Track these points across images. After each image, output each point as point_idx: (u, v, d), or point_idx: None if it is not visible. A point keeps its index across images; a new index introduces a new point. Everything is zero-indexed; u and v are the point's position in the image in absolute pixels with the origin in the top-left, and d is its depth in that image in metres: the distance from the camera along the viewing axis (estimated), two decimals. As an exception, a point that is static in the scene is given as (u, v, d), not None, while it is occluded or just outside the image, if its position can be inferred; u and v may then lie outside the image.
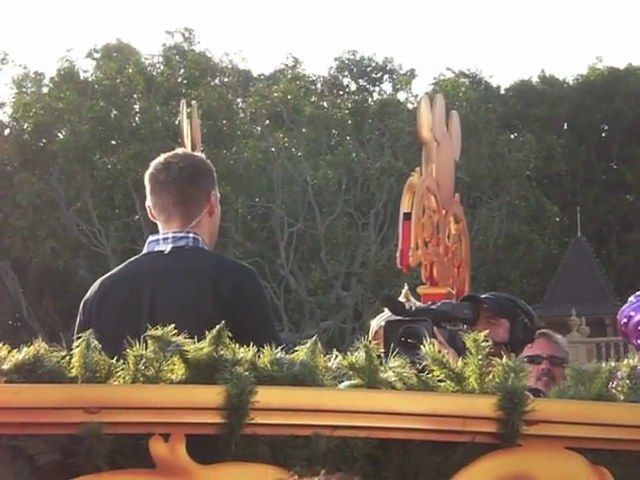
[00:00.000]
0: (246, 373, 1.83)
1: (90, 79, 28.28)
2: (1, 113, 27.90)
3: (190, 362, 1.86)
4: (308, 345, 1.93)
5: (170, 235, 2.91)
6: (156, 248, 2.91)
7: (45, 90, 27.91)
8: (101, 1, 47.67)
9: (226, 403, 1.80)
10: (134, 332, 2.72)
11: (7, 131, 27.56)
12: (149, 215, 3.01)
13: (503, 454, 1.91)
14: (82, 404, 1.78)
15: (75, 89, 27.19)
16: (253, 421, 1.81)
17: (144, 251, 2.95)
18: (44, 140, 27.22)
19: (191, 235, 2.92)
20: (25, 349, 1.83)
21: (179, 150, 3.09)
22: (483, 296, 3.49)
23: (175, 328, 2.49)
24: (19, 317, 26.67)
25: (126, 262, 2.98)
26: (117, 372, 1.86)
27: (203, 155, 3.13)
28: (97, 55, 28.84)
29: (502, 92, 33.13)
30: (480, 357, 1.95)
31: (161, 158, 3.01)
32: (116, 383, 1.85)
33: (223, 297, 2.81)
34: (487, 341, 1.98)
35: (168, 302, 2.81)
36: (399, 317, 3.09)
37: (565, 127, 32.90)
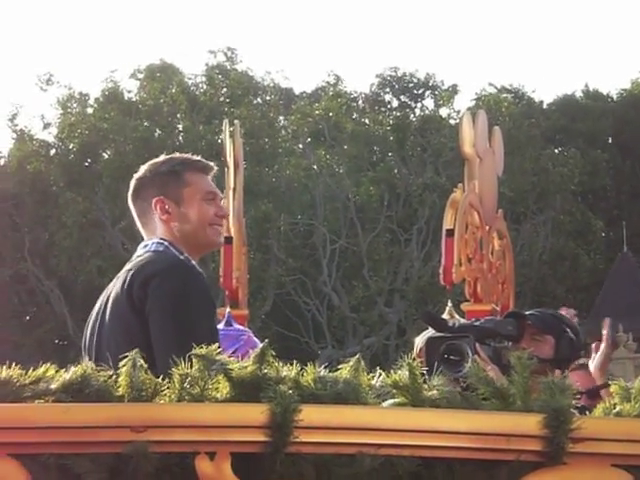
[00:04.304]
0: (290, 391, 1.84)
1: (134, 99, 28.60)
2: (47, 134, 28.30)
3: (234, 380, 1.87)
4: (351, 363, 1.93)
5: (142, 243, 2.89)
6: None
7: (90, 110, 28.25)
8: (145, 22, 48.28)
9: (270, 421, 1.81)
10: (92, 341, 2.71)
11: (53, 151, 27.92)
12: None
13: (548, 472, 1.89)
14: (129, 423, 1.80)
15: (119, 109, 27.50)
16: (297, 439, 1.82)
17: None
18: (89, 160, 27.54)
19: (155, 240, 2.84)
20: (72, 368, 1.86)
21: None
22: (528, 312, 3.47)
23: (109, 335, 2.51)
24: (65, 336, 26.92)
25: None
26: (163, 391, 1.87)
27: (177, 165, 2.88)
28: (141, 75, 29.16)
29: (545, 107, 32.93)
30: (525, 375, 1.94)
31: None
32: (162, 402, 1.87)
33: (134, 296, 2.64)
34: (532, 359, 1.97)
35: (110, 308, 2.75)
36: (441, 334, 3.09)
37: (610, 141, 32.60)
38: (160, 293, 2.61)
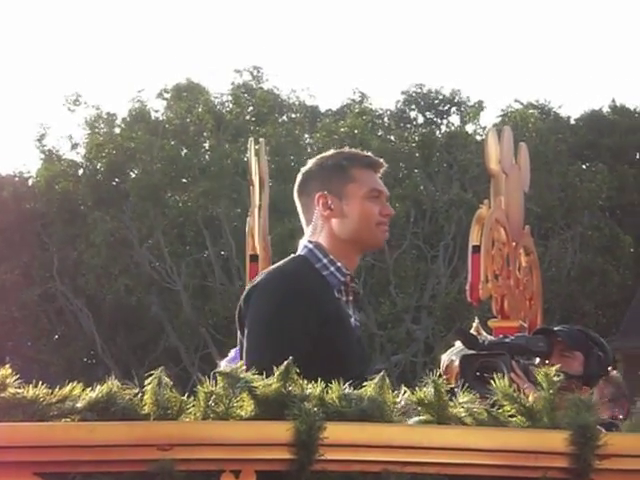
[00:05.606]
0: (314, 409, 1.83)
1: (161, 119, 28.77)
2: (74, 154, 28.49)
3: (259, 398, 1.87)
4: (376, 380, 1.93)
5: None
6: None
7: (117, 130, 28.45)
8: (171, 42, 48.64)
9: (295, 439, 1.81)
10: None
11: (81, 171, 28.12)
12: None
13: (576, 490, 1.88)
14: (154, 441, 1.80)
15: (146, 129, 27.68)
16: (322, 457, 1.82)
17: None
18: (117, 179, 27.71)
19: (303, 243, 2.74)
20: (98, 387, 1.86)
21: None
22: (556, 329, 3.44)
23: None
24: (94, 354, 27.05)
25: None
26: (188, 409, 1.88)
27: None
28: (167, 95, 29.34)
29: (572, 122, 32.80)
30: (551, 391, 1.93)
31: None
32: (187, 420, 1.87)
33: (242, 313, 2.66)
34: (559, 375, 1.96)
35: None
36: (476, 351, 3.05)
37: (637, 156, 32.39)
38: (251, 310, 2.61)
